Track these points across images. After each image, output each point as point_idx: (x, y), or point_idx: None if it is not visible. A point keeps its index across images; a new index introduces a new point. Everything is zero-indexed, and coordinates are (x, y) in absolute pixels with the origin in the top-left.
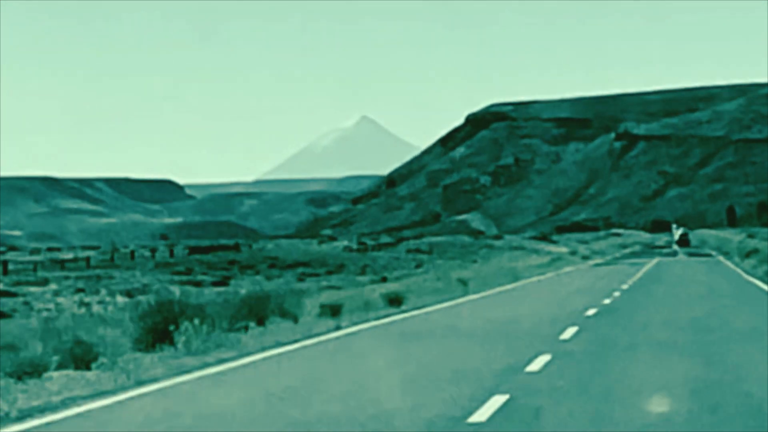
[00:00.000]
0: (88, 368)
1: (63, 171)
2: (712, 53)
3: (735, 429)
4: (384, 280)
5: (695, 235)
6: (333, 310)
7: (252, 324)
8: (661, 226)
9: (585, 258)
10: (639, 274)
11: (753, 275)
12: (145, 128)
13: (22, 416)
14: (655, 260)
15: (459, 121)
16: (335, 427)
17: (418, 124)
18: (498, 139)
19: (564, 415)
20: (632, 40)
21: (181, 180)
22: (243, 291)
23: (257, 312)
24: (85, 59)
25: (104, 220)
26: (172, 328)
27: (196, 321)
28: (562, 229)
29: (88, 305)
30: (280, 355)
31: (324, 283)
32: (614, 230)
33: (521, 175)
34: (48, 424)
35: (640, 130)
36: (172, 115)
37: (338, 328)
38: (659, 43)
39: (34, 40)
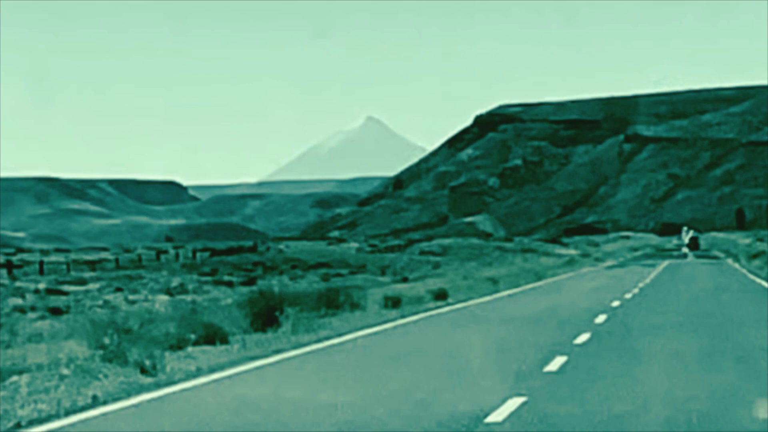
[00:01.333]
0: (226, 342)
1: (66, 172)
2: (721, 55)
3: (732, 378)
4: (405, 280)
5: (705, 238)
6: (394, 302)
7: (331, 312)
8: (670, 229)
9: (598, 260)
10: (653, 275)
11: (757, 275)
12: (149, 129)
13: (212, 370)
14: (666, 262)
15: (467, 122)
16: (450, 376)
17: (425, 126)
18: (506, 140)
19: (609, 366)
20: (641, 42)
21: (185, 181)
22: (276, 289)
23: (333, 303)
24: (87, 60)
25: (108, 222)
26: (277, 313)
27: (296, 308)
28: (570, 232)
29: (134, 302)
30: (374, 333)
31: (350, 284)
32: (623, 233)
33: (529, 177)
34: (233, 375)
35: (650, 132)
36: (176, 116)
37: (403, 316)
38: (669, 45)
39: (37, 41)
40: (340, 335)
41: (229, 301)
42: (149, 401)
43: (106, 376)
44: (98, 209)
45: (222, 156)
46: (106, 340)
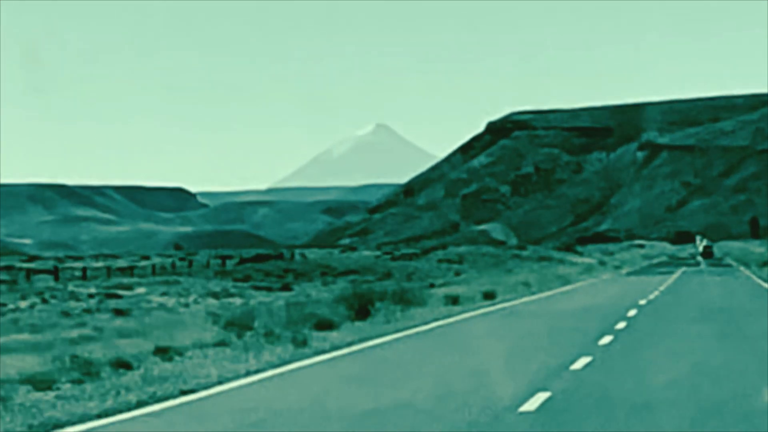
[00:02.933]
0: (338, 328)
1: (74, 178)
2: (734, 62)
3: (738, 350)
4: (431, 286)
5: (719, 247)
6: (453, 300)
7: (404, 307)
8: (684, 238)
9: (617, 267)
10: (670, 281)
11: (765, 281)
12: (157, 135)
13: (349, 344)
14: (681, 270)
15: (478, 129)
16: (530, 348)
17: (437, 132)
18: (518, 147)
19: (645, 341)
20: (655, 49)
21: (193, 188)
22: (313, 294)
23: (403, 299)
24: (93, 65)
25: (115, 228)
26: (370, 307)
27: (383, 303)
28: (583, 240)
29: (188, 306)
30: (454, 322)
31: (381, 289)
32: (637, 241)
33: (542, 184)
34: (371, 346)
35: (663, 139)
36: (184, 122)
37: (465, 311)
38: (682, 52)
39: (42, 45)
40: (426, 323)
41: (281, 302)
42: (328, 360)
43: (267, 350)
44: (105, 216)
45: (230, 162)
46: (256, 324)
